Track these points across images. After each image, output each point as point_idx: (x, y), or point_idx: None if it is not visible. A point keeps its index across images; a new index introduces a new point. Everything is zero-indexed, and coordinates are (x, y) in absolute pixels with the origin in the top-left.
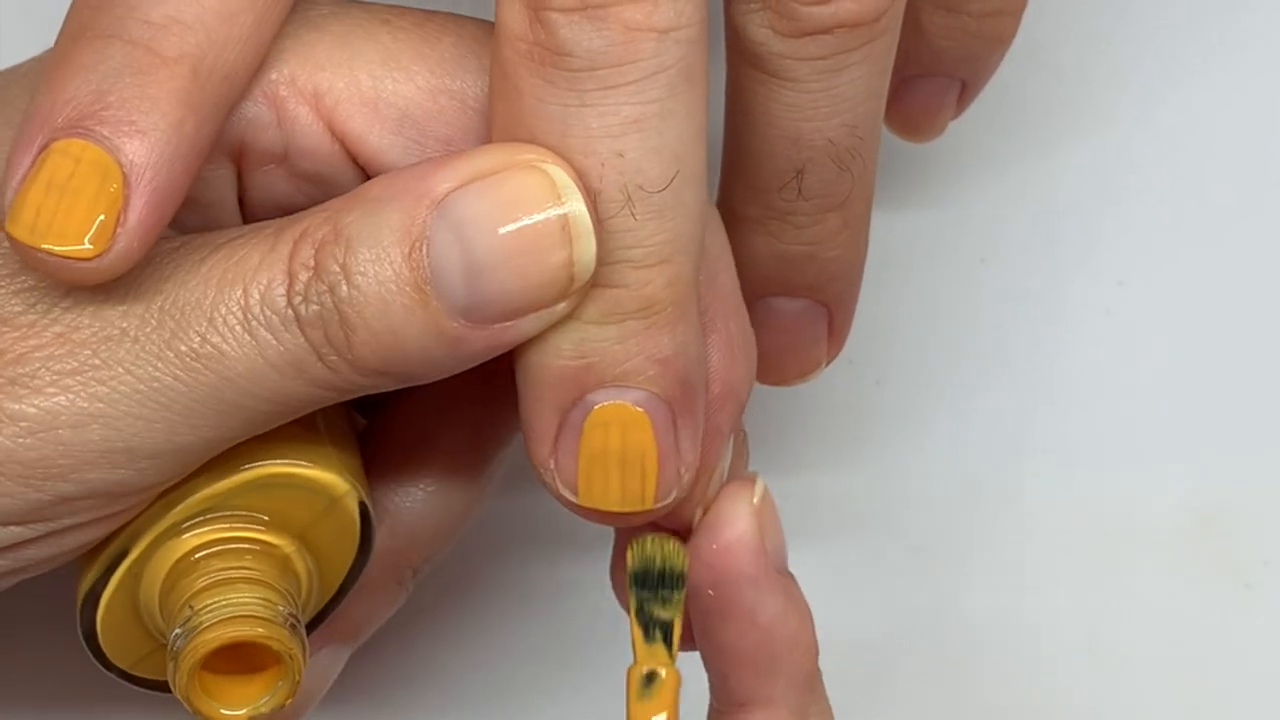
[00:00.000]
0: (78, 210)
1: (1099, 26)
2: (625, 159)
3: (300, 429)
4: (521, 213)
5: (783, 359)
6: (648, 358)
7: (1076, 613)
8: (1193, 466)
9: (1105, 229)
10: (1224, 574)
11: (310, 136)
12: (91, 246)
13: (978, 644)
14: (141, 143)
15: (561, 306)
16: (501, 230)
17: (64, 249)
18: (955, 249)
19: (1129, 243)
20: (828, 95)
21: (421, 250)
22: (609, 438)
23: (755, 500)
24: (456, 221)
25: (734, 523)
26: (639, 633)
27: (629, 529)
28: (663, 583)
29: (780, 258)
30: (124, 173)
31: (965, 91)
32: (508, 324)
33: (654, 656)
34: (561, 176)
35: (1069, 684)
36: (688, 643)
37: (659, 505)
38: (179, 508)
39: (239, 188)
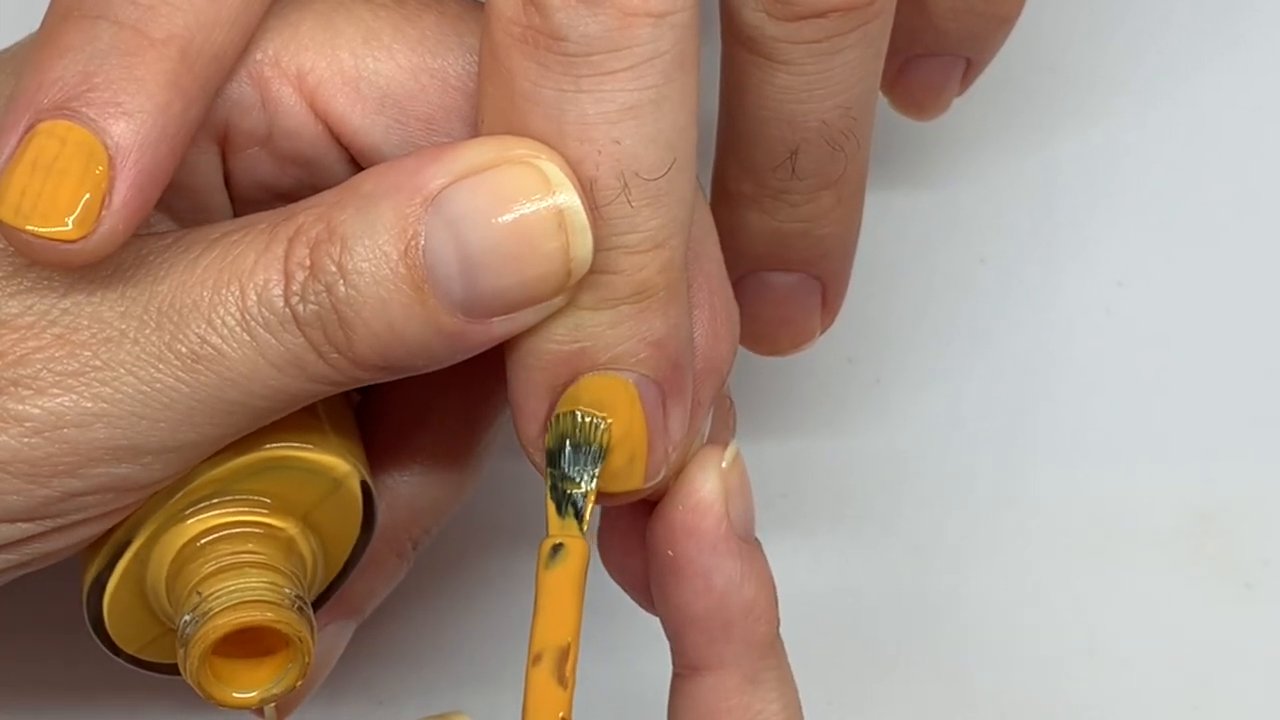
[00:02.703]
0: (63, 192)
1: (1099, 25)
2: (622, 146)
3: (300, 412)
4: (516, 207)
5: (776, 331)
6: (640, 340)
7: (1076, 613)
8: (1193, 466)
9: (1104, 229)
10: (1224, 573)
11: (294, 117)
12: (76, 228)
13: (977, 643)
14: (128, 124)
15: (559, 299)
16: (496, 225)
17: (48, 230)
18: (954, 249)
19: (1128, 243)
20: (822, 78)
21: (417, 247)
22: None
23: (723, 464)
24: (451, 218)
25: (699, 486)
26: (552, 508)
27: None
28: (577, 460)
29: (774, 234)
30: (109, 154)
31: (970, 69)
32: (505, 317)
33: (564, 530)
34: (555, 172)
35: (1069, 684)
36: (647, 604)
37: (648, 484)
38: (182, 493)
39: (224, 171)
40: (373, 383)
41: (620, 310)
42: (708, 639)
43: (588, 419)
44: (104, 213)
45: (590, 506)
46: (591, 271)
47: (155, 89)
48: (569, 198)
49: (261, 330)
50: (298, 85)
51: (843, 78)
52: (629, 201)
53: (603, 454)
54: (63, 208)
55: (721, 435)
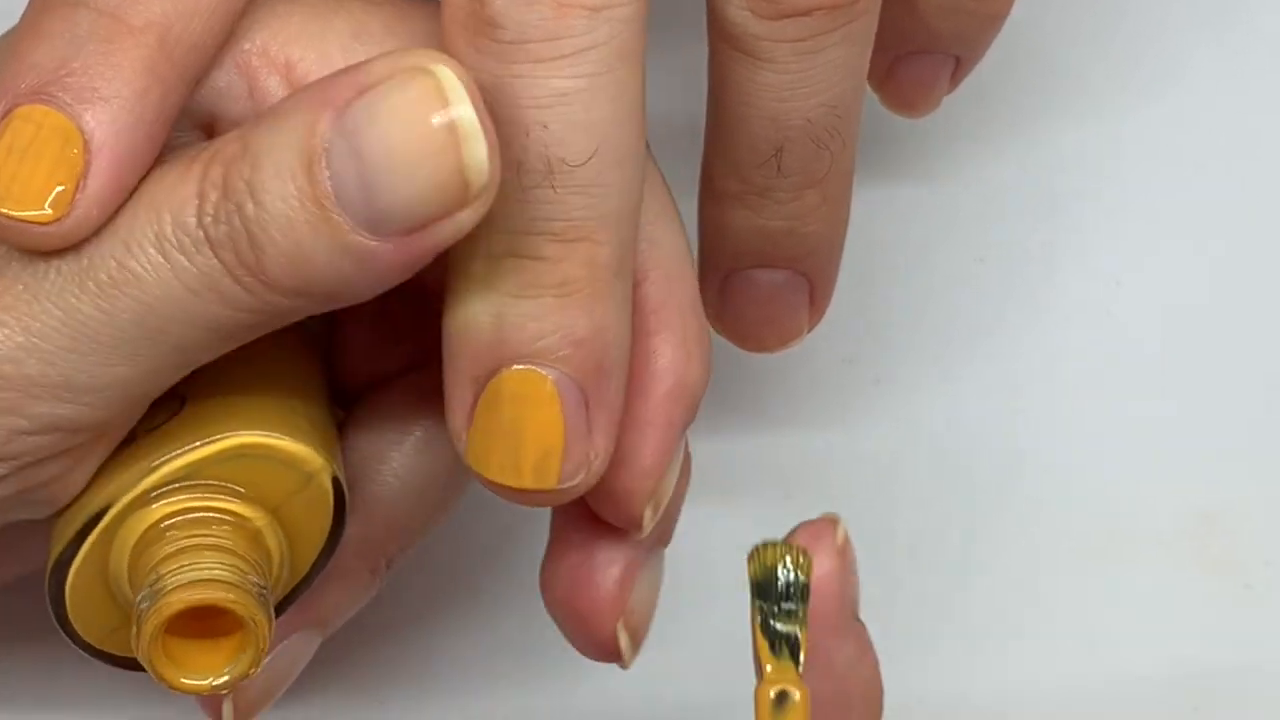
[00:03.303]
0: (38, 175)
1: (1098, 23)
2: (548, 130)
3: (276, 406)
4: (408, 117)
5: (763, 329)
6: (562, 336)
7: (1077, 613)
8: (1193, 466)
9: (1104, 229)
10: (1225, 574)
11: None
12: (51, 211)
13: (976, 645)
14: (104, 110)
15: (465, 214)
16: (391, 138)
17: (23, 214)
18: (953, 248)
19: (1128, 242)
20: (806, 76)
21: (321, 164)
22: (503, 409)
23: (838, 542)
24: (351, 132)
25: (819, 563)
26: (765, 646)
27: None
28: (787, 595)
29: (760, 232)
30: (85, 139)
31: (960, 67)
32: (413, 237)
33: (783, 675)
34: (449, 78)
35: (1069, 684)
36: (588, 646)
37: (564, 485)
38: (151, 477)
39: None
40: (301, 314)
41: (543, 301)
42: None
43: (794, 552)
44: (78, 197)
45: (805, 648)
46: (516, 256)
47: (132, 75)
48: (461, 107)
49: (176, 253)
50: (286, 75)
51: (827, 76)
52: (553, 186)
53: (808, 590)
54: (37, 191)
55: (680, 485)
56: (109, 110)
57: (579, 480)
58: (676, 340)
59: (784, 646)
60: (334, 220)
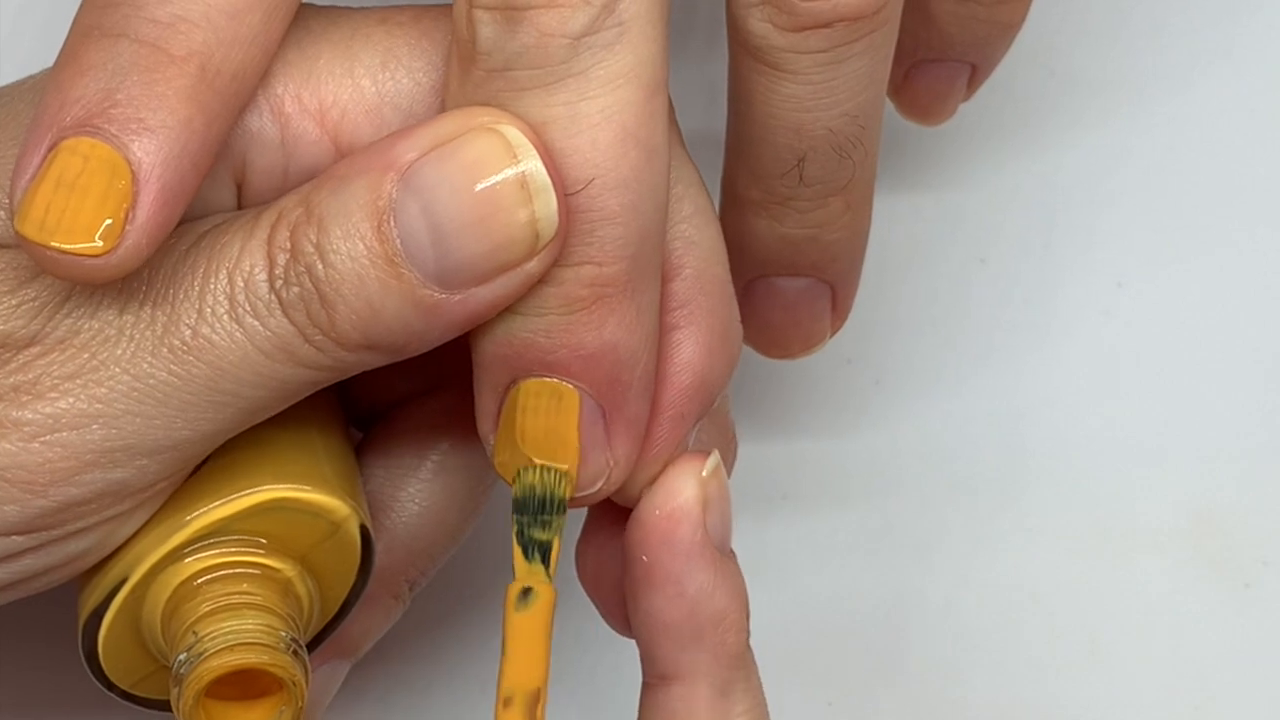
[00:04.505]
0: (86, 208)
1: (1098, 26)
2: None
3: (300, 452)
4: (480, 175)
5: (787, 335)
6: (570, 352)
7: (1076, 613)
8: (1192, 466)
9: (1103, 230)
10: (1223, 574)
11: (316, 154)
12: (101, 243)
13: (977, 644)
14: (150, 140)
15: (532, 265)
16: (463, 194)
17: (73, 246)
18: (954, 249)
19: (1127, 243)
20: (828, 87)
21: (389, 222)
22: (524, 414)
23: (704, 473)
24: (419, 190)
25: (677, 492)
26: (519, 553)
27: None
28: (543, 508)
29: (783, 240)
30: (132, 170)
31: (975, 75)
32: (481, 288)
33: (532, 575)
34: (517, 135)
35: (1069, 684)
36: (617, 621)
37: (582, 494)
38: (182, 533)
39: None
40: (365, 368)
41: (549, 319)
42: (678, 648)
43: (550, 471)
44: (128, 228)
45: (556, 554)
46: None
47: (176, 104)
48: (530, 161)
49: (249, 317)
50: (319, 119)
51: (849, 86)
52: None
53: (565, 505)
54: (86, 224)
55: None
56: (155, 141)
57: (598, 488)
58: (700, 337)
59: (536, 552)
60: (404, 276)
